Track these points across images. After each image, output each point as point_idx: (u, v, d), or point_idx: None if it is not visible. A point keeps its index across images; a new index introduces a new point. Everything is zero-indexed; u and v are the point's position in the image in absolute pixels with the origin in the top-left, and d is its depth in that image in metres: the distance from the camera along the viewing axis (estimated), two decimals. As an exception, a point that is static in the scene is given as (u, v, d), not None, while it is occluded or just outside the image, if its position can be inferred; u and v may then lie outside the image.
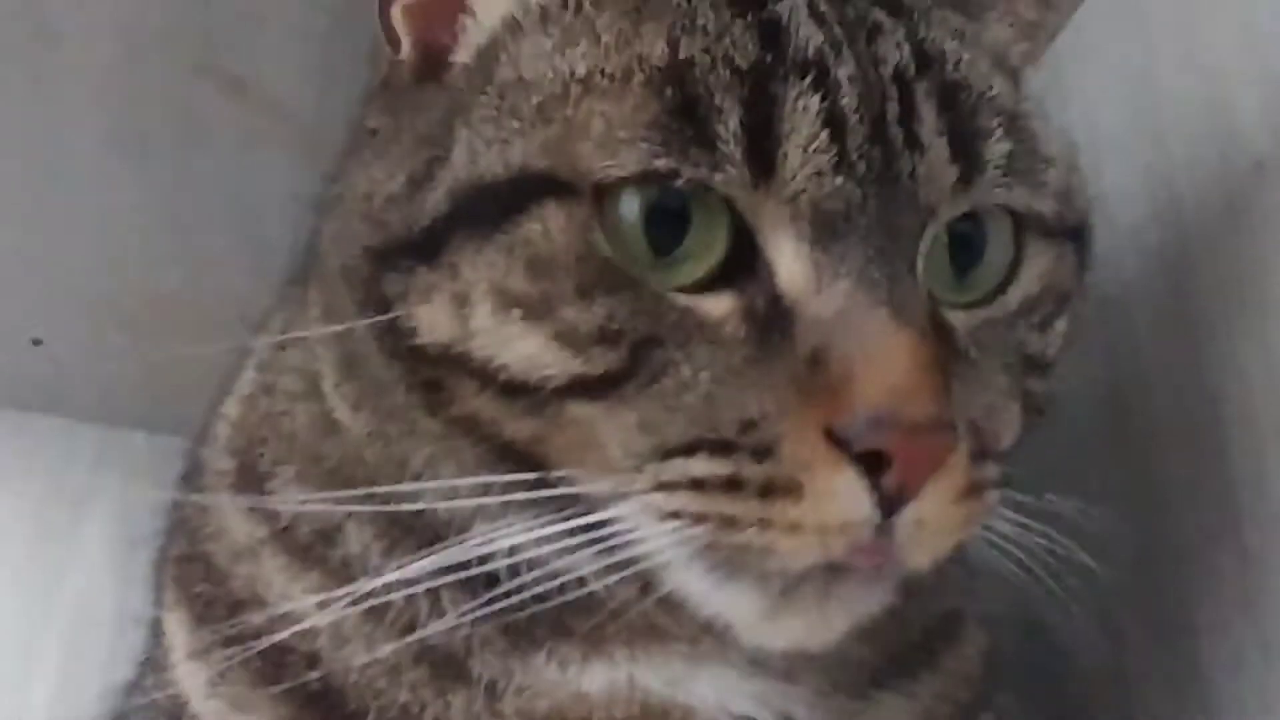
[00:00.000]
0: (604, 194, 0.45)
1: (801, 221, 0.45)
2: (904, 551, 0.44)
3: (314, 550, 0.52)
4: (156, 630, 0.58)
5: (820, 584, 0.45)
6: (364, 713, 0.50)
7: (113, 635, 0.65)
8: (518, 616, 0.49)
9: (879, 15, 0.49)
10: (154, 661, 0.57)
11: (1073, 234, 0.52)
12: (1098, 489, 0.67)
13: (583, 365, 0.45)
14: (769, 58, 0.45)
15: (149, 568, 0.60)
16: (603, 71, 0.46)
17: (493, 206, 0.46)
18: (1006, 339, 0.49)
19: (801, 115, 0.44)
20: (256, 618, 0.51)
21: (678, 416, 0.44)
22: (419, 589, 0.49)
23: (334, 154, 0.56)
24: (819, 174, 0.44)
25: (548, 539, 0.45)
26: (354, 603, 0.49)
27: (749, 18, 0.46)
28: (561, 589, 0.47)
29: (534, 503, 0.46)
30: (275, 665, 0.51)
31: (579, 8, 0.48)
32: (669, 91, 0.45)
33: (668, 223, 0.45)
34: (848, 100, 0.45)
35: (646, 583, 0.47)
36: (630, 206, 0.45)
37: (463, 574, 0.47)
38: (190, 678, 0.54)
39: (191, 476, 0.60)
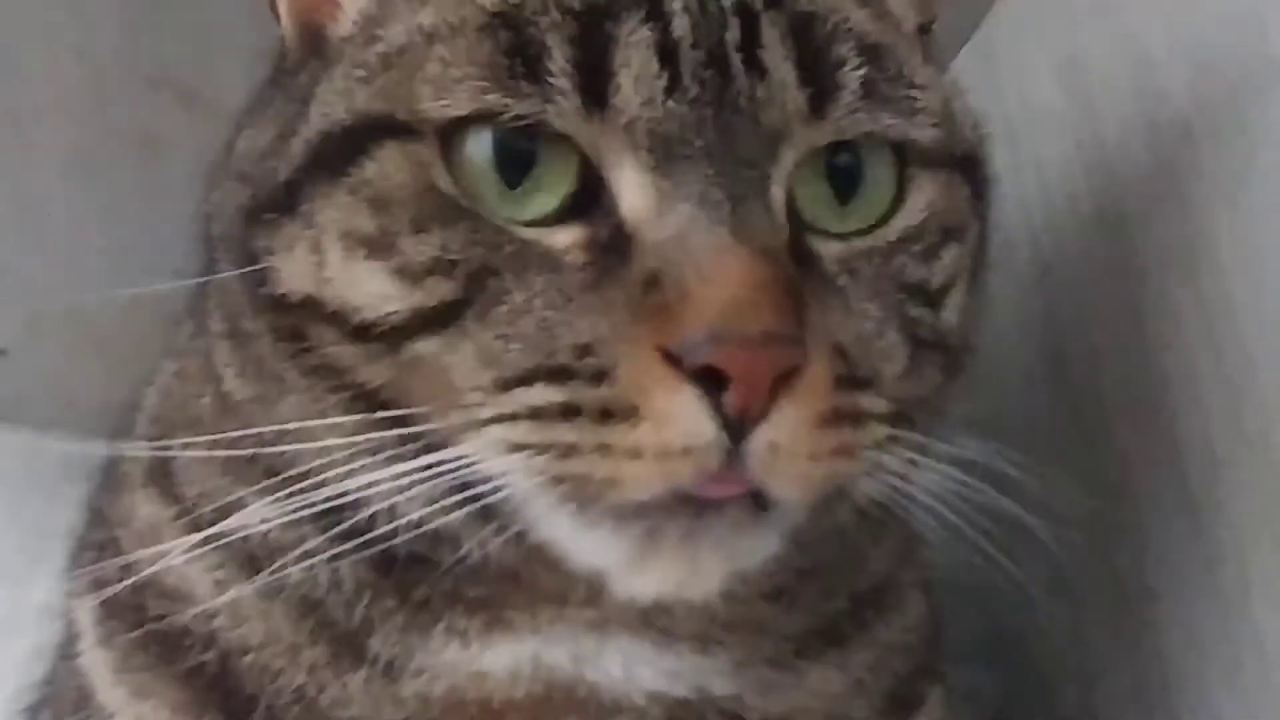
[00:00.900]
0: (449, 136, 0.46)
1: (640, 150, 0.45)
2: (763, 480, 0.42)
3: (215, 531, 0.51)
4: (66, 618, 0.57)
5: (684, 525, 0.43)
6: (260, 695, 0.49)
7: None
8: (410, 581, 0.49)
9: None
10: (64, 651, 0.57)
11: (961, 164, 0.52)
12: (1045, 453, 0.68)
13: (420, 297, 0.45)
14: None
15: (66, 559, 0.59)
16: (445, 21, 0.47)
17: (339, 152, 0.47)
18: (885, 268, 0.48)
19: (633, 46, 0.45)
20: (159, 602, 0.51)
21: (514, 345, 0.44)
22: (299, 544, 0.48)
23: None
24: (651, 100, 0.45)
25: (408, 482, 0.45)
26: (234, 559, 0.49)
27: None
28: (438, 544, 0.47)
29: (394, 447, 0.45)
30: (175, 649, 0.51)
31: None
32: (501, 33, 0.46)
33: (517, 162, 0.46)
34: (680, 29, 0.46)
35: (519, 535, 0.46)
36: (478, 147, 0.46)
37: (350, 542, 0.47)
38: (97, 666, 0.53)
39: (110, 467, 0.60)
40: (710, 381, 0.41)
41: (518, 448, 0.43)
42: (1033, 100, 0.74)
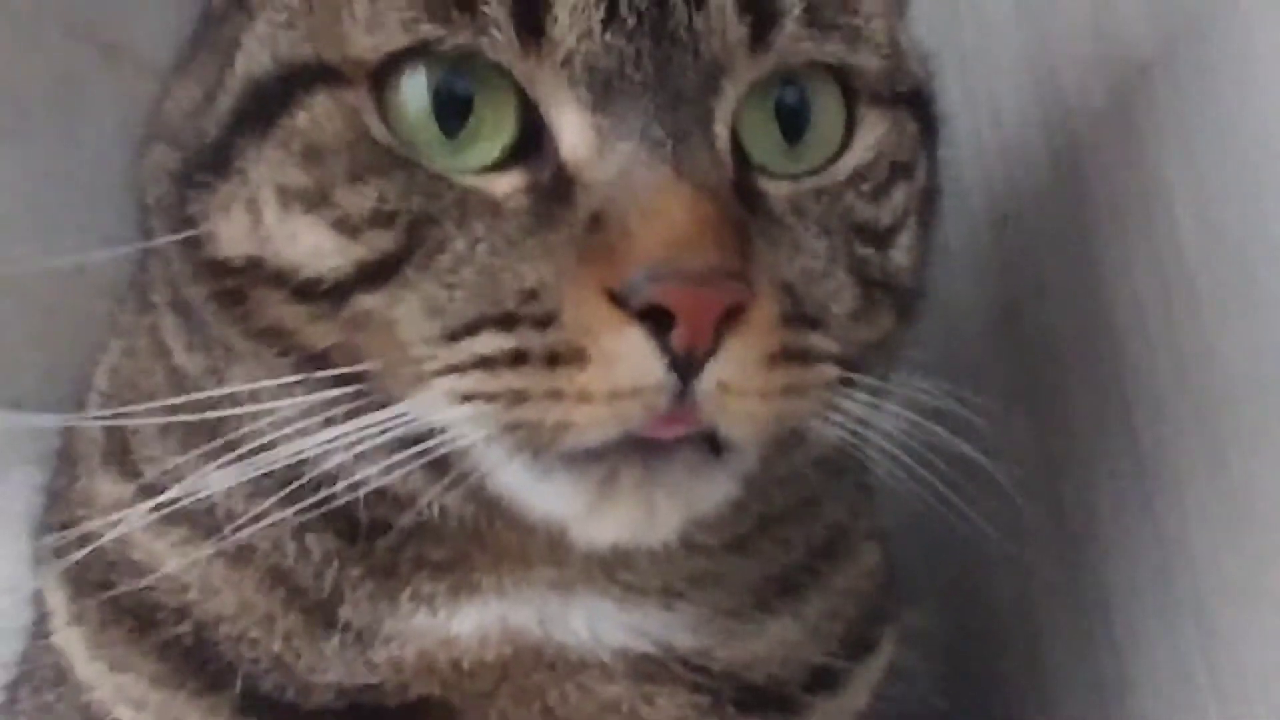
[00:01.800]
0: (382, 80, 0.45)
1: (579, 87, 0.44)
2: (713, 419, 0.43)
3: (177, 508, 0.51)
4: (38, 600, 0.57)
5: (639, 470, 0.43)
6: (237, 664, 0.50)
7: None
8: (375, 548, 0.49)
9: None
10: (37, 631, 0.57)
11: (910, 100, 0.52)
12: (997, 398, 0.68)
13: (360, 250, 0.44)
14: None
15: (30, 539, 0.59)
16: None
17: (267, 104, 0.46)
18: (834, 208, 0.48)
19: None
20: (129, 579, 0.51)
21: (458, 294, 0.43)
22: (257, 509, 0.48)
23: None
24: (588, 33, 0.44)
25: (361, 441, 0.44)
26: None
27: None
28: (397, 505, 0.47)
29: (346, 405, 0.45)
30: (149, 623, 0.51)
31: None
32: None
33: (454, 107, 0.44)
34: None
35: (476, 490, 0.46)
36: (413, 92, 0.45)
37: (307, 502, 0.46)
38: (72, 644, 0.54)
39: (65, 450, 0.60)
40: (657, 321, 0.41)
41: (468, 398, 0.43)
42: (990, 46, 0.72)
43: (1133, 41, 0.61)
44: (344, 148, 0.44)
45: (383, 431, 0.44)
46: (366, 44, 0.44)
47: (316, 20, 0.46)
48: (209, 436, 0.48)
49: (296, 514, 0.47)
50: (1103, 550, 0.64)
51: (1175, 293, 0.58)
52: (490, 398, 0.43)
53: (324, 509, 0.47)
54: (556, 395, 0.42)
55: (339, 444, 0.45)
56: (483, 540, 0.49)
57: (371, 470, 0.46)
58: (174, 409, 0.48)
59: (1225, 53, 0.55)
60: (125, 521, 0.50)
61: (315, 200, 0.45)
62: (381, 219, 0.44)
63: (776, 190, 0.47)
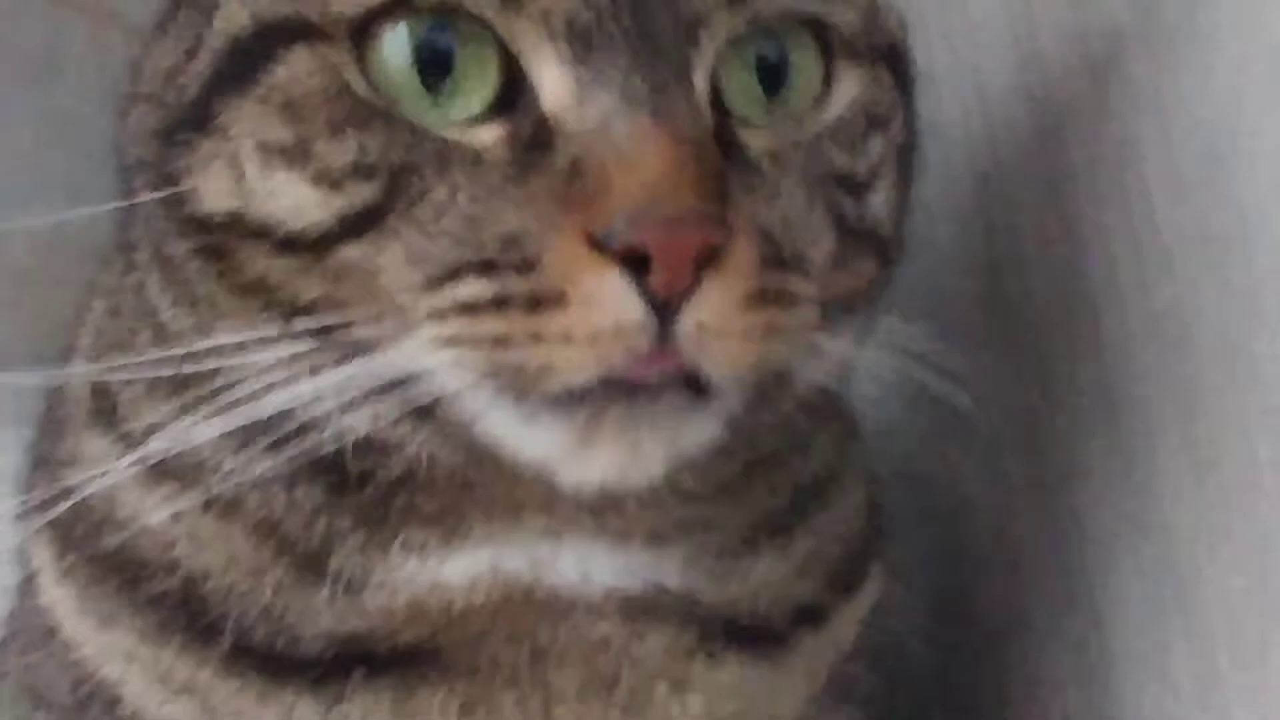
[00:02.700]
0: (362, 35, 0.45)
1: (558, 40, 0.45)
2: (694, 359, 0.44)
3: (165, 462, 0.51)
4: (24, 559, 0.58)
5: (623, 411, 0.44)
6: (227, 617, 0.51)
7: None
8: (364, 499, 0.50)
9: None
10: (23, 591, 0.58)
11: (885, 55, 0.53)
12: (982, 349, 0.70)
13: (342, 202, 0.44)
14: None
15: (14, 499, 0.59)
16: None
17: (247, 61, 0.46)
18: (812, 157, 0.49)
19: None
20: (114, 534, 0.52)
21: (440, 242, 0.44)
22: (255, 469, 0.48)
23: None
24: None
25: (347, 390, 0.45)
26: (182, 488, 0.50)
27: None
28: (385, 455, 0.48)
29: (331, 355, 0.46)
30: (136, 579, 0.52)
31: None
32: None
33: (436, 61, 0.45)
34: None
35: (462, 436, 0.46)
36: (395, 47, 0.45)
37: (304, 459, 0.47)
38: (60, 602, 0.54)
39: (50, 411, 0.60)
40: (636, 263, 0.42)
41: (451, 343, 0.44)
42: (975, 5, 0.74)
43: (1109, 11, 0.63)
44: (324, 102, 0.45)
45: (369, 379, 0.45)
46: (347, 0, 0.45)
47: None
48: (195, 390, 0.48)
49: (284, 463, 0.47)
50: (1080, 499, 0.66)
51: (1146, 252, 0.60)
52: (473, 342, 0.43)
53: (313, 460, 0.47)
54: (538, 338, 0.43)
55: (326, 393, 0.45)
56: (472, 489, 0.50)
57: (358, 418, 0.46)
58: (160, 363, 0.48)
59: (1194, 22, 0.57)
60: (111, 474, 0.50)
61: (296, 154, 0.45)
62: (363, 171, 0.44)
63: (756, 141, 0.48)
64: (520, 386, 0.44)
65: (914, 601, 0.65)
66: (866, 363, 0.53)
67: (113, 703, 0.53)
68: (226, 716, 0.51)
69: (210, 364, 0.47)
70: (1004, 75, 0.72)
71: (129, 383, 0.53)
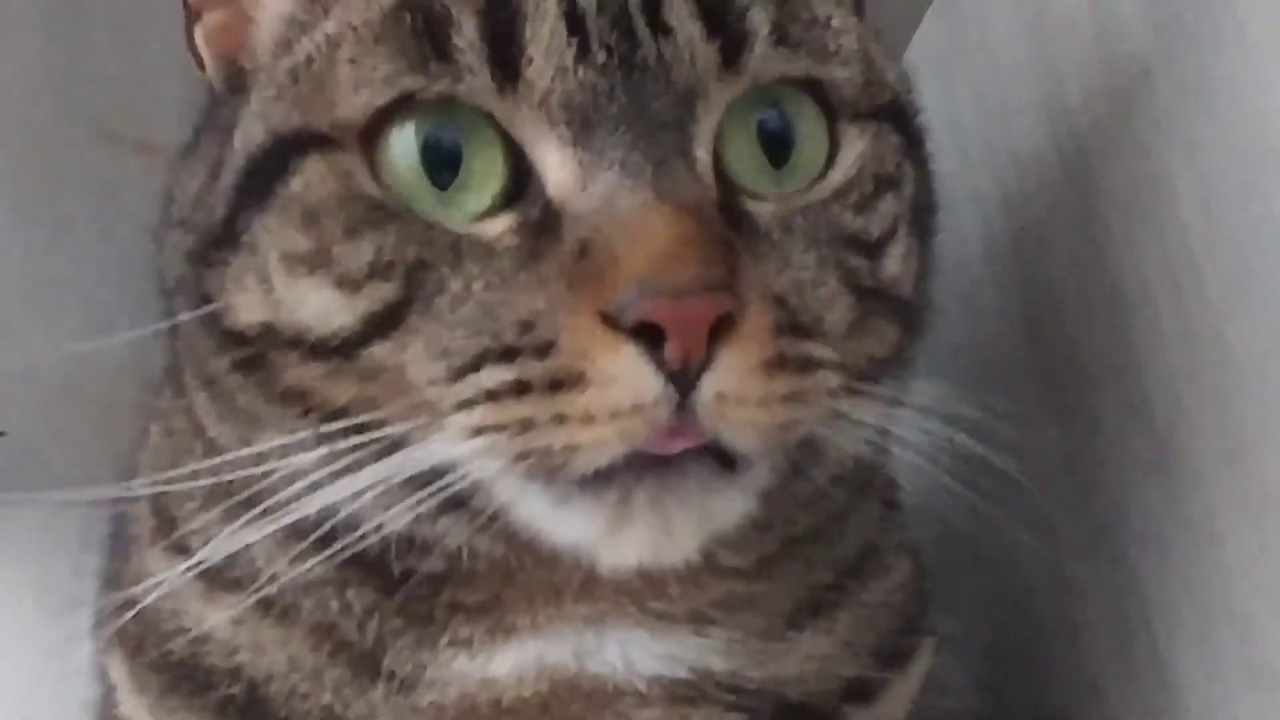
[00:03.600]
0: (371, 139, 0.47)
1: (559, 124, 0.46)
2: (715, 430, 0.44)
3: (225, 574, 0.53)
4: (102, 675, 0.60)
5: (652, 489, 0.44)
6: (291, 717, 0.52)
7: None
8: (412, 598, 0.50)
9: None
10: (104, 702, 0.60)
11: (890, 113, 0.53)
12: (1026, 405, 0.68)
13: (364, 304, 0.46)
14: None
15: (91, 620, 0.62)
16: (349, 23, 0.48)
17: (265, 175, 0.48)
18: (821, 222, 0.49)
19: (540, 17, 0.46)
20: (181, 645, 0.54)
21: (460, 332, 0.45)
22: (304, 571, 0.49)
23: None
24: (562, 70, 0.45)
25: (383, 487, 0.46)
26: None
27: None
28: (426, 552, 0.49)
29: (367, 454, 0.46)
30: (204, 685, 0.53)
31: None
32: (407, 18, 0.46)
33: (443, 159, 0.47)
34: None
35: (498, 525, 0.47)
36: (402, 147, 0.47)
37: (336, 552, 0.48)
38: (136, 713, 0.56)
39: (118, 533, 0.62)
40: (649, 337, 0.43)
41: (479, 431, 0.45)
42: (996, 44, 0.74)
43: (1133, 45, 0.62)
44: (339, 207, 0.46)
45: (405, 473, 0.46)
46: (353, 104, 0.47)
47: (303, 90, 0.48)
48: (242, 498, 0.50)
49: (330, 564, 0.48)
50: (1136, 552, 0.63)
51: (1185, 289, 0.59)
52: (500, 428, 0.44)
53: (362, 562, 0.48)
54: (561, 419, 0.43)
55: (365, 489, 0.46)
56: (513, 580, 0.50)
57: (398, 513, 0.47)
58: (209, 474, 0.50)
59: (1222, 52, 0.56)
60: (169, 581, 0.51)
61: (317, 261, 0.47)
62: (380, 271, 0.46)
63: (763, 208, 0.48)
64: (549, 469, 0.44)
65: (967, 673, 0.62)
66: (908, 428, 0.52)
67: None
68: None
69: (255, 470, 0.49)
70: (1032, 130, 0.71)
71: (186, 498, 0.56)
